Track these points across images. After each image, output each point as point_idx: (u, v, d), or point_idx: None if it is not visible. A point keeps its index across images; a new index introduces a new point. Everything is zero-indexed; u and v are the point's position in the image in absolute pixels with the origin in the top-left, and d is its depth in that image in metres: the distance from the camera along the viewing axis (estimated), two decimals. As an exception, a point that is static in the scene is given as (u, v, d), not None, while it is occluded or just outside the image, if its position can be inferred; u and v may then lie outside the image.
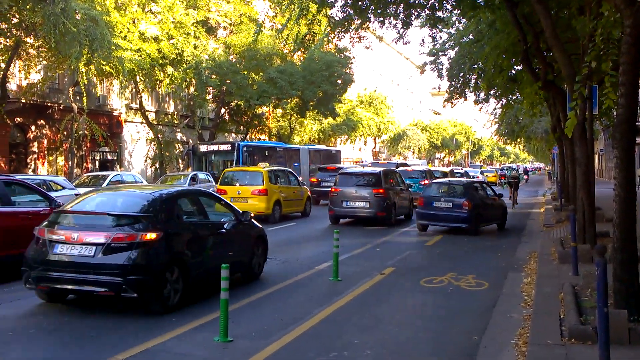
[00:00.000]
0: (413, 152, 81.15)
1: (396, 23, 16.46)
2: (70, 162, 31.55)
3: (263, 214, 19.88)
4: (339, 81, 41.39)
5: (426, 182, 25.72)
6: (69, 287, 8.08)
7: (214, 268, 8.47)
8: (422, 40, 39.96)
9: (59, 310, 8.27)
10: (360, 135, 62.21)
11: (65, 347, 6.68)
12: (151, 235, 8.07)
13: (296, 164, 36.51)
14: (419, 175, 28.47)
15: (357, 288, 9.86)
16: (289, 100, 39.08)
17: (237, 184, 21.21)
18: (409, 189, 22.96)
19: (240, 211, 10.61)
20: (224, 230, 9.78)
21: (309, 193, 24.31)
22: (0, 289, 9.54)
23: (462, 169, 48.79)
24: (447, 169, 39.36)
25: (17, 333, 7.21)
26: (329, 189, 21.45)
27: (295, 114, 44.75)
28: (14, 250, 10.05)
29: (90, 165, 35.03)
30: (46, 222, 8.57)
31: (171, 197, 9.15)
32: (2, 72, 24.45)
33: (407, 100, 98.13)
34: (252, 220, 10.92)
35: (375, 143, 74.30)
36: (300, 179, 25.90)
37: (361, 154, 74.52)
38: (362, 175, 20.60)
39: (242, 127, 44.67)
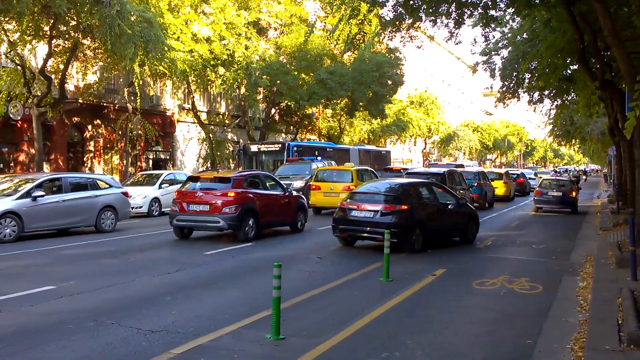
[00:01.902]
0: (464, 153, 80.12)
1: (448, 22, 16.30)
2: (124, 161, 32.32)
3: None
4: (389, 82, 41.21)
5: (477, 183, 27.37)
6: (360, 234, 14.05)
7: (441, 230, 15.03)
8: (474, 39, 39.44)
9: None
10: (410, 136, 61.78)
11: (125, 342, 6.82)
12: (404, 207, 13.62)
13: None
14: (472, 176, 28.32)
15: (407, 289, 9.79)
16: (338, 101, 39.10)
17: (330, 181, 23.60)
18: (470, 189, 24.24)
19: (458, 196, 16.39)
20: (448, 208, 15.22)
21: None
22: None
23: (518, 171, 48.00)
24: (502, 170, 38.76)
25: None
26: None
27: (344, 115, 44.74)
28: (282, 217, 17.16)
29: (143, 164, 35.78)
30: (345, 198, 14.83)
31: (413, 185, 15.12)
32: (61, 73, 25.18)
33: (458, 100, 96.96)
34: (467, 204, 16.60)
35: (425, 144, 73.63)
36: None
37: (411, 155, 73.98)
38: (428, 175, 21.83)
39: (292, 127, 44.91)
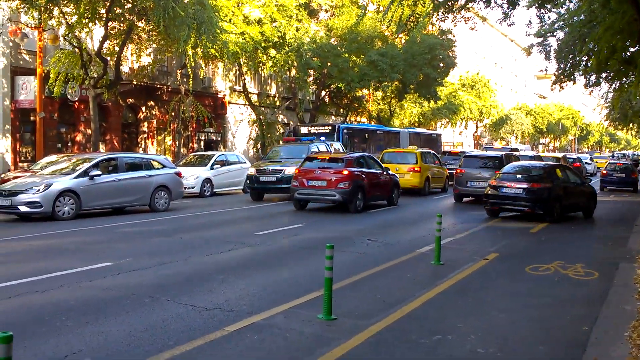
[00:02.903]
0: (516, 137, 78.59)
1: (502, 3, 15.94)
2: (177, 142, 32.85)
3: (416, 188, 24.59)
4: (441, 64, 40.65)
5: None
6: (509, 207, 17.08)
7: (571, 205, 17.77)
8: (529, 20, 38.38)
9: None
10: (462, 119, 60.90)
11: (180, 318, 6.97)
12: (547, 185, 16.53)
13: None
14: (528, 160, 28.22)
15: (459, 272, 9.71)
16: (389, 84, 38.77)
17: (395, 163, 24.35)
18: None
19: (583, 177, 19.55)
20: (576, 186, 18.07)
21: (447, 172, 27.40)
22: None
23: (574, 155, 47.11)
24: (559, 154, 38.16)
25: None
26: (453, 171, 24.19)
27: (395, 97, 44.37)
28: (382, 193, 19.72)
29: (195, 145, 36.30)
30: (495, 177, 17.64)
31: (552, 167, 18.22)
32: (116, 55, 25.66)
33: (511, 83, 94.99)
34: (589, 184, 19.75)
35: (477, 127, 72.51)
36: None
37: (461, 138, 73.00)
38: (486, 158, 22.91)
39: (342, 110, 44.80)
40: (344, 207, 18.25)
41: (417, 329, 6.72)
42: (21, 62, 27.40)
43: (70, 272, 9.07)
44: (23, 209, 14.96)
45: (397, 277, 9.41)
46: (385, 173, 20.04)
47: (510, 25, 18.07)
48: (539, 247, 12.74)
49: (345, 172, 17.78)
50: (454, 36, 40.89)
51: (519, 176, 17.18)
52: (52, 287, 8.13)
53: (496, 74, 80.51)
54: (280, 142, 40.36)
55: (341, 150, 23.07)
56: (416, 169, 24.55)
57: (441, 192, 26.77)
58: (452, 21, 18.95)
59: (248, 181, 21.66)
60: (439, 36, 40.48)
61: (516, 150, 38.39)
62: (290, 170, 19.87)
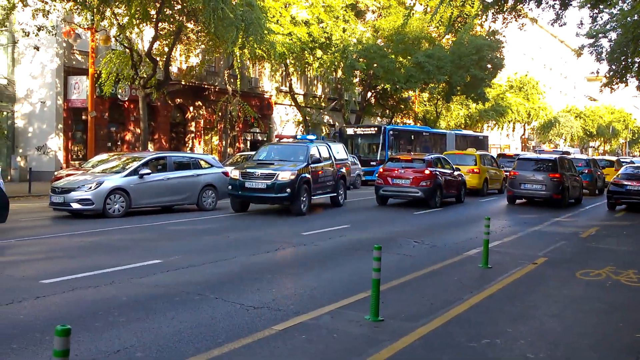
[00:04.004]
0: (565, 140, 76.96)
1: (554, 3, 15.63)
2: (223, 142, 33.21)
3: (475, 188, 25.33)
4: (489, 65, 40.13)
5: (587, 170, 28.15)
6: (633, 200, 20.54)
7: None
8: (581, 21, 37.57)
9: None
10: (509, 122, 59.98)
11: (229, 316, 7.04)
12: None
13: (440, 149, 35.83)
14: (583, 164, 28.62)
15: (508, 276, 9.56)
16: (436, 85, 38.46)
17: (454, 164, 23.75)
18: (580, 176, 24.70)
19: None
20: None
21: (504, 175, 27.49)
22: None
23: (627, 159, 46.17)
24: (614, 158, 37.74)
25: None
26: (507, 173, 24.30)
27: (441, 99, 43.99)
28: (453, 191, 21.51)
29: (241, 145, 36.64)
30: (616, 177, 21.40)
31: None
32: (165, 56, 26.09)
33: (560, 85, 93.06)
34: None
35: (524, 130, 71.27)
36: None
37: (508, 141, 71.88)
38: (540, 161, 22.85)
39: (387, 111, 44.65)
40: (424, 203, 20.02)
41: (465, 333, 6.64)
42: (74, 63, 28.13)
43: (121, 268, 9.26)
44: (75, 206, 15.34)
45: (443, 280, 9.32)
46: (455, 173, 21.78)
47: (561, 25, 17.73)
48: (589, 252, 12.46)
49: (427, 172, 19.55)
50: (503, 36, 40.31)
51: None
52: (104, 282, 8.32)
53: (545, 75, 79.02)
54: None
55: (344, 153, 20.92)
56: (475, 170, 25.54)
57: (498, 193, 27.62)
58: (503, 22, 18.67)
59: (230, 187, 17.13)
60: (487, 37, 39.97)
61: (567, 153, 37.67)
62: (285, 175, 16.39)
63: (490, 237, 10.49)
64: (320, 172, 18.08)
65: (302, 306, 7.44)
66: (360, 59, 35.26)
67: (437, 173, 20.05)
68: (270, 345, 6.03)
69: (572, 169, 23.46)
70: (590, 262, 11.10)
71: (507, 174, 24.45)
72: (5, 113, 28.02)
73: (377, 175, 20.80)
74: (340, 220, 16.32)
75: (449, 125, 50.56)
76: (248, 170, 16.97)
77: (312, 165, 17.49)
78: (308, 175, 17.11)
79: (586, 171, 27.84)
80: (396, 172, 19.95)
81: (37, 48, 23.66)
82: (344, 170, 19.89)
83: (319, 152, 18.40)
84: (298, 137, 20.22)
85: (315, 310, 7.28)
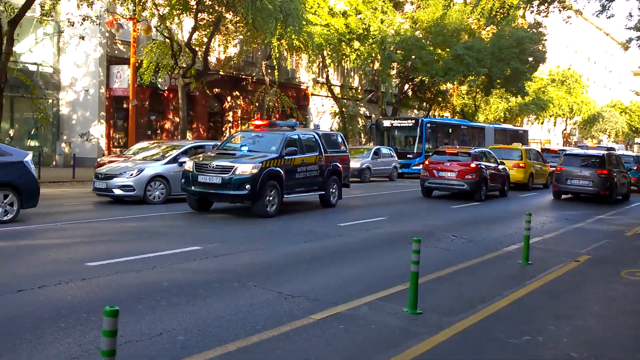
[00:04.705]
0: (608, 136, 75.35)
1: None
2: (260, 132, 33.30)
3: (521, 182, 25.40)
4: (530, 58, 39.51)
5: (636, 167, 27.91)
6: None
7: None
8: (630, 13, 36.48)
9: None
10: (550, 116, 58.98)
11: (267, 304, 7.10)
12: None
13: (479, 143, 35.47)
14: (631, 160, 28.43)
15: (549, 273, 9.41)
16: (475, 78, 38.02)
17: (499, 158, 23.70)
18: (628, 172, 24.49)
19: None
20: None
21: (549, 169, 27.66)
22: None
23: None
24: None
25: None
26: (553, 169, 24.57)
27: (480, 92, 43.47)
28: (497, 184, 21.58)
29: (278, 136, 36.71)
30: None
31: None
32: (204, 46, 26.30)
33: (605, 79, 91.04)
34: None
35: (566, 124, 69.99)
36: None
37: (549, 136, 70.69)
38: (586, 157, 22.71)
39: (425, 104, 44.32)
40: (464, 196, 20.29)
41: (505, 329, 6.57)
42: (116, 52, 28.57)
43: (162, 254, 9.40)
44: (117, 192, 15.63)
45: (482, 275, 9.23)
46: (500, 167, 21.93)
47: (609, 17, 17.33)
48: (634, 252, 12.20)
49: (473, 165, 19.80)
50: (545, 28, 39.60)
51: None
52: (145, 267, 8.46)
53: (589, 69, 77.40)
54: (362, 135, 40.45)
55: (341, 144, 17.91)
56: (521, 164, 25.56)
57: (543, 188, 27.50)
58: (546, 13, 18.33)
59: (183, 180, 14.40)
60: (529, 29, 39.31)
61: (612, 149, 37.02)
62: (245, 168, 13.63)
63: (531, 232, 10.34)
64: (299, 166, 15.13)
65: (339, 296, 7.45)
66: (398, 51, 35.03)
67: (483, 166, 20.26)
68: (308, 333, 6.05)
69: (620, 165, 23.33)
70: (635, 261, 10.90)
71: (553, 169, 24.47)
72: (50, 101, 28.62)
73: (422, 167, 21.18)
74: (376, 212, 16.28)
75: (487, 119, 49.97)
76: (203, 161, 14.20)
77: (287, 157, 14.62)
78: (279, 170, 14.22)
79: (635, 168, 27.65)
80: (442, 164, 20.23)
81: (82, 37, 24.06)
82: (338, 164, 16.78)
83: (300, 142, 15.44)
84: (278, 123, 17.17)
85: (353, 300, 7.28)
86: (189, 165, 14.41)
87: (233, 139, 16.20)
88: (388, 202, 19.35)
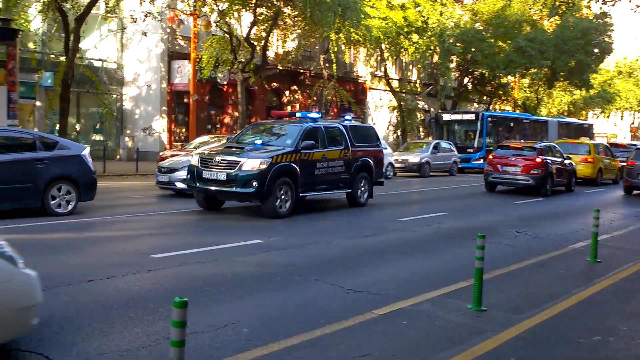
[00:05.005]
0: (681, 130, 72.39)
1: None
2: (318, 126, 33.37)
3: (589, 178, 25.01)
4: (595, 50, 38.28)
5: None
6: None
7: None
8: None
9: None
10: (617, 109, 57.08)
11: (330, 298, 7.09)
12: None
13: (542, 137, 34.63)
14: None
15: (619, 272, 9.08)
16: (537, 70, 37.10)
17: (567, 152, 23.50)
18: None
19: None
20: None
21: (619, 164, 27.14)
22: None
23: None
24: None
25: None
26: (623, 164, 24.19)
27: (543, 85, 42.41)
28: (563, 179, 21.26)
29: (336, 130, 36.72)
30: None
31: None
32: (263, 41, 26.50)
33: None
34: None
35: (634, 118, 67.56)
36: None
37: (615, 130, 68.42)
38: None
39: (485, 97, 43.57)
40: (528, 191, 19.96)
41: (574, 328, 6.37)
42: (177, 48, 29.10)
43: (225, 246, 9.52)
44: (179, 185, 15.90)
45: (549, 273, 8.99)
46: (566, 162, 21.61)
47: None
48: None
49: (539, 160, 19.63)
50: (610, 18, 38.30)
51: None
52: (209, 259, 8.58)
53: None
54: (421, 129, 40.00)
55: (373, 137, 16.27)
56: (589, 159, 25.18)
57: (612, 183, 27.04)
58: (613, 2, 17.70)
59: (188, 176, 13.37)
60: (594, 20, 38.09)
61: None
62: (252, 164, 12.41)
63: (599, 229, 10.01)
64: (319, 161, 13.74)
65: (402, 292, 7.37)
66: (458, 44, 34.51)
67: (548, 161, 19.99)
68: (371, 328, 6.01)
69: None
70: None
71: (623, 164, 23.95)
72: (114, 96, 29.40)
73: (486, 162, 21.14)
74: (437, 207, 16.07)
75: (550, 113, 48.73)
76: (208, 156, 13.10)
77: (304, 152, 13.26)
78: (293, 165, 12.91)
79: None
80: (506, 159, 20.08)
81: (144, 34, 24.60)
82: (368, 159, 15.35)
83: (322, 135, 14.03)
84: (298, 115, 15.32)
85: (416, 296, 7.20)
86: (194, 159, 13.30)
87: (248, 132, 14.88)
88: (449, 197, 19.10)
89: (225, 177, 12.43)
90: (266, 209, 12.62)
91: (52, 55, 26.09)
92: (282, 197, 12.73)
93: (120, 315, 5.94)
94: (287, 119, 15.12)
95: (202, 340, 5.38)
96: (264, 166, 12.31)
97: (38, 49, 25.52)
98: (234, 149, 13.27)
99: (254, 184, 12.18)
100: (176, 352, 3.54)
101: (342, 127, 14.86)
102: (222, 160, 12.65)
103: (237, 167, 12.38)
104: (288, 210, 12.87)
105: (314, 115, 15.33)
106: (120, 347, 5.19)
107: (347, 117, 16.19)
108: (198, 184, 12.91)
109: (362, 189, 15.30)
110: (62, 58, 21.33)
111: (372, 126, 18.14)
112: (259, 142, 13.58)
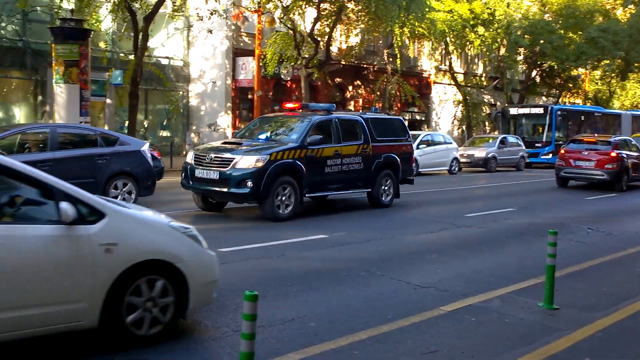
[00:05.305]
0: None
1: None
2: (382, 121, 33.19)
3: None
4: (674, 39, 36.65)
5: None
6: None
7: None
8: None
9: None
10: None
11: (396, 294, 7.03)
12: None
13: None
14: None
15: (700, 271, 8.68)
16: (610, 62, 35.80)
17: None
18: None
19: None
20: None
21: None
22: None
23: None
24: None
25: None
26: None
27: (616, 77, 40.91)
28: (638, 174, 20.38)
29: (400, 125, 36.47)
30: None
31: None
32: (326, 36, 26.52)
33: None
34: None
35: None
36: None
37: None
38: None
39: (554, 90, 42.38)
40: (607, 186, 19.33)
41: (653, 328, 6.11)
42: (241, 44, 29.45)
43: (290, 241, 9.60)
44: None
45: (624, 271, 8.65)
46: None
47: None
48: None
49: (613, 154, 19.09)
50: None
51: None
52: (275, 254, 8.65)
53: None
54: (487, 123, 39.20)
55: (400, 130, 14.92)
56: None
57: None
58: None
59: (182, 175, 12.31)
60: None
61: None
62: (247, 162, 11.18)
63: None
64: (330, 158, 12.44)
65: (470, 288, 7.25)
66: (526, 35, 33.67)
67: (624, 155, 19.44)
68: (439, 325, 5.93)
69: None
70: None
71: None
72: (181, 93, 30.00)
73: (557, 156, 20.81)
74: (505, 203, 15.73)
75: (623, 106, 46.97)
76: (202, 152, 12.01)
77: (312, 148, 11.97)
78: (297, 163, 11.67)
79: None
80: (579, 153, 19.61)
81: (210, 31, 24.95)
82: (394, 155, 13.99)
83: (336, 129, 12.76)
84: (310, 106, 14.03)
85: (485, 293, 7.07)
86: (189, 156, 12.27)
87: (256, 126, 13.73)
88: (516, 192, 18.67)
89: (217, 176, 11.26)
90: (265, 211, 11.41)
91: (122, 54, 26.83)
92: (283, 198, 11.47)
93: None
94: (301, 111, 13.70)
95: (270, 333, 5.42)
96: (260, 164, 11.08)
97: (108, 48, 26.29)
98: (230, 145, 12.17)
99: (249, 183, 11.01)
100: (247, 345, 3.57)
101: (361, 120, 13.50)
102: (215, 157, 11.45)
103: (230, 165, 11.18)
104: (289, 213, 11.59)
105: (326, 106, 13.78)
106: (193, 337, 5.32)
107: (374, 108, 15.40)
108: (191, 184, 11.88)
109: (385, 188, 13.90)
110: (131, 56, 21.86)
111: (399, 118, 16.32)
112: (263, 137, 12.55)
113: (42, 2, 21.34)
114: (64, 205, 4.46)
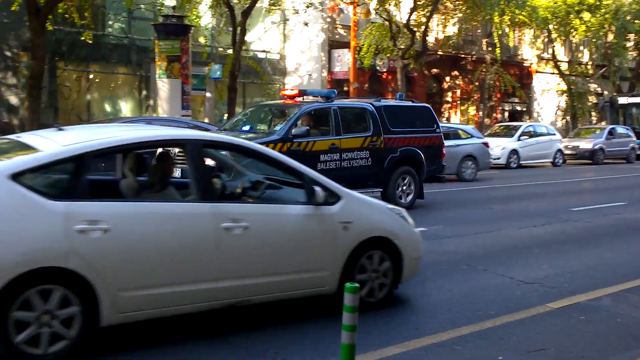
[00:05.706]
0: None
1: None
2: (481, 112, 32.44)
3: None
4: None
5: None
6: None
7: None
8: None
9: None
10: None
11: (499, 289, 6.81)
12: None
13: None
14: None
15: None
16: None
17: None
18: None
19: None
20: None
21: None
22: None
23: None
24: None
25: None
26: None
27: None
28: None
29: (499, 116, 35.55)
30: None
31: None
32: (423, 26, 26.13)
33: None
34: None
35: None
36: None
37: None
38: None
39: (667, 77, 39.89)
40: None
41: None
42: (337, 37, 29.49)
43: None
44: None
45: None
46: None
47: None
48: None
49: None
50: None
51: None
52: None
53: None
54: (594, 113, 37.37)
55: (427, 120, 12.82)
56: None
57: None
58: None
59: None
60: None
61: None
62: None
63: None
64: (325, 152, 10.77)
65: (577, 285, 6.92)
66: (635, 20, 31.83)
67: None
68: (546, 322, 5.69)
69: None
70: None
71: None
72: (277, 86, 30.44)
73: None
74: (613, 196, 14.93)
75: None
76: None
77: (298, 141, 10.39)
78: None
79: None
80: None
81: (306, 24, 25.14)
82: (416, 149, 12.20)
83: (335, 119, 11.08)
84: (309, 92, 12.59)
85: (594, 291, 6.73)
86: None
87: (246, 115, 12.57)
88: (626, 185, 17.71)
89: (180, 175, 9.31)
90: None
91: (221, 49, 27.47)
92: None
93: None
94: (301, 98, 12.00)
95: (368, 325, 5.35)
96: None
97: (208, 43, 27.01)
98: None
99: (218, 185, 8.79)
100: (348, 337, 3.49)
101: (371, 108, 11.63)
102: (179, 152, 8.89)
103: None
104: None
105: (326, 92, 12.28)
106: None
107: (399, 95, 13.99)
108: None
109: (403, 188, 12.00)
110: (230, 51, 22.35)
111: (425, 105, 13.89)
112: (246, 128, 11.15)
113: (145, 0, 22.14)
114: (318, 189, 5.23)
